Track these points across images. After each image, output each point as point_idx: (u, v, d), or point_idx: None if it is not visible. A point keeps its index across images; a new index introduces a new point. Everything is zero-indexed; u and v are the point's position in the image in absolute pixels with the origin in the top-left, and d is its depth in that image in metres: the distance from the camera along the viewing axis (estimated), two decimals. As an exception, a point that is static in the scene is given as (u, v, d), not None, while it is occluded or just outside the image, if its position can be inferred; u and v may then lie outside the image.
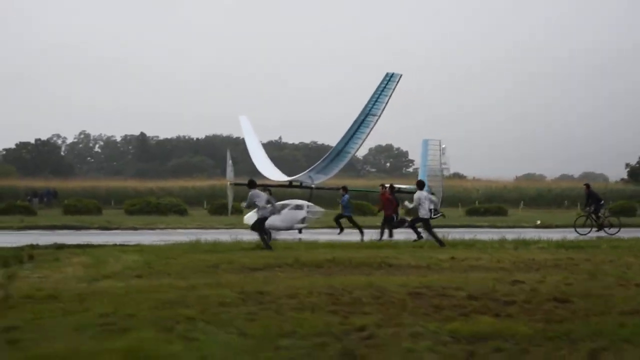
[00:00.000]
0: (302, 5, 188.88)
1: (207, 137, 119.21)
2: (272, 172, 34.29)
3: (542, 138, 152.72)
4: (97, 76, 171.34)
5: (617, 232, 27.03)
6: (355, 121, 27.17)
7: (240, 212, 31.76)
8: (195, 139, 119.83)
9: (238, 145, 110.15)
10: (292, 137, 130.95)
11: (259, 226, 21.52)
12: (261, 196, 22.06)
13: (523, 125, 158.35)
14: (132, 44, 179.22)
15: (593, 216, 28.10)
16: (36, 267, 15.00)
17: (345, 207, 27.29)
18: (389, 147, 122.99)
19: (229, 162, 31.91)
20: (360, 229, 26.67)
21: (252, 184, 22.20)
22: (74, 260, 16.25)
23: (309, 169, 30.39)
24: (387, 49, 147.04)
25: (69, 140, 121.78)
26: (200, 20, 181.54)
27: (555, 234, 24.34)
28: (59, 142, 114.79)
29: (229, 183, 32.26)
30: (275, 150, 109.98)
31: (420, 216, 21.85)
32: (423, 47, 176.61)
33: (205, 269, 14.30)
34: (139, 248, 20.05)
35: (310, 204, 31.80)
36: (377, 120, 27.20)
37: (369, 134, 27.61)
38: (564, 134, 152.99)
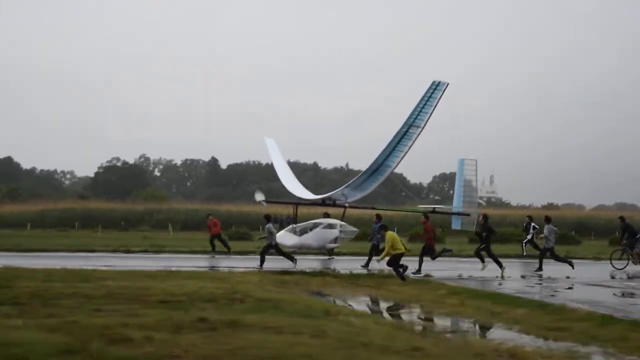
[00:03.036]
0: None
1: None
2: (301, 191, 33.09)
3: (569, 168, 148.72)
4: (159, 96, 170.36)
5: None
6: (397, 133, 25.18)
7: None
8: (264, 164, 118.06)
9: (306, 172, 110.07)
10: (357, 164, 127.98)
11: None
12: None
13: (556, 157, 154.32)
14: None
15: (629, 250, 26.45)
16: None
17: (374, 236, 26.06)
18: (452, 176, 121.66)
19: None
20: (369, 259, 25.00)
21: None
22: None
23: (345, 185, 28.85)
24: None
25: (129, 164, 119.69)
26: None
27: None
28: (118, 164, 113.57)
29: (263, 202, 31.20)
30: (343, 177, 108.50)
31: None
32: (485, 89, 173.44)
33: None
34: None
35: (343, 223, 30.40)
36: (420, 132, 25.28)
37: (411, 146, 25.37)
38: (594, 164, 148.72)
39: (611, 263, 25.97)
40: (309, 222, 30.28)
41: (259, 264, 22.92)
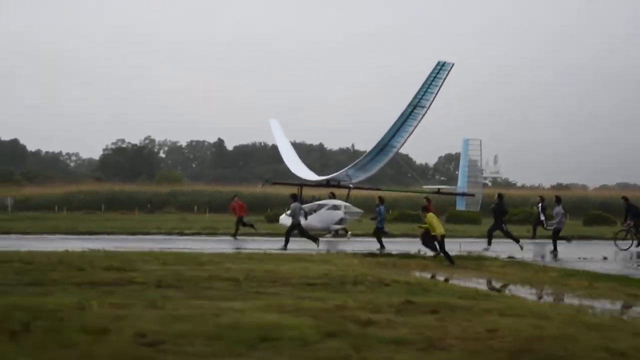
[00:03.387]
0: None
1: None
2: (305, 173, 33.03)
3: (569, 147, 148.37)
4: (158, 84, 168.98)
5: None
6: (403, 114, 25.21)
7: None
8: (271, 145, 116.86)
9: (312, 152, 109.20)
10: (363, 145, 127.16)
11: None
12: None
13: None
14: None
15: (633, 230, 26.29)
16: None
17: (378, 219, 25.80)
18: (458, 156, 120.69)
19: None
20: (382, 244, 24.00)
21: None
22: None
23: (349, 166, 28.86)
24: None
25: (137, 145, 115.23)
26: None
27: None
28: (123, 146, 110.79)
29: (263, 182, 31.19)
30: (349, 158, 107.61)
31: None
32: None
33: None
34: None
35: (347, 204, 30.43)
36: (425, 112, 25.21)
37: (416, 126, 25.64)
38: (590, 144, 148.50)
39: (615, 243, 25.79)
40: (314, 203, 30.31)
41: (283, 244, 22.45)
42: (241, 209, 29.20)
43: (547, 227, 26.85)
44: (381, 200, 25.78)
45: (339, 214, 30.06)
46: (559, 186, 78.32)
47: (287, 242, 22.55)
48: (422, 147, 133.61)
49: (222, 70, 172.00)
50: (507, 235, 23.98)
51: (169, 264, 14.57)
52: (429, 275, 15.53)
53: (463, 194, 31.48)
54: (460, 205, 32.09)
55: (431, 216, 19.58)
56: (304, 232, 23.68)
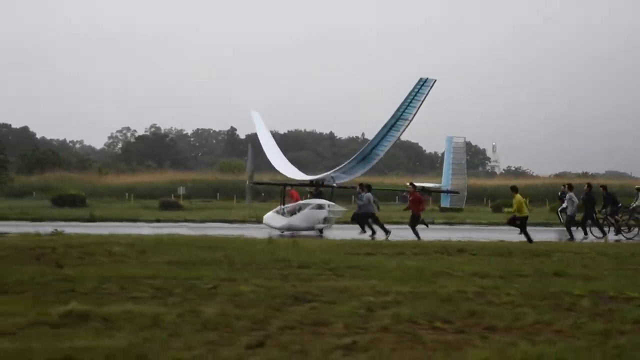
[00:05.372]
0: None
1: (290, 132, 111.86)
2: (290, 170, 32.90)
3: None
4: (160, 67, 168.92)
5: (635, 236, 25.87)
6: (386, 125, 26.02)
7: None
8: (282, 133, 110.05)
9: (323, 141, 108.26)
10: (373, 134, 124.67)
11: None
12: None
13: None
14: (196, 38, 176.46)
15: (610, 219, 26.71)
16: None
17: (360, 207, 26.05)
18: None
19: (250, 158, 30.76)
20: (364, 228, 25.54)
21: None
22: None
23: (334, 170, 29.11)
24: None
25: (139, 134, 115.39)
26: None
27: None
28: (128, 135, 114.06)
29: (247, 182, 31.06)
30: (359, 146, 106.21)
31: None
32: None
33: None
34: None
35: (331, 203, 30.43)
36: (407, 125, 26.10)
37: (398, 137, 26.80)
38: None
39: (591, 231, 25.98)
40: (297, 202, 30.35)
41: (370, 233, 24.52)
42: (292, 199, 31.02)
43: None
44: (362, 187, 25.80)
45: (323, 213, 29.99)
46: (585, 175, 76.94)
47: (365, 230, 24.70)
48: (432, 137, 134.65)
49: (230, 59, 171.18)
50: (596, 224, 24.35)
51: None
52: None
53: (447, 192, 31.64)
54: (445, 203, 32.44)
55: (519, 197, 21.21)
56: (377, 221, 25.09)
